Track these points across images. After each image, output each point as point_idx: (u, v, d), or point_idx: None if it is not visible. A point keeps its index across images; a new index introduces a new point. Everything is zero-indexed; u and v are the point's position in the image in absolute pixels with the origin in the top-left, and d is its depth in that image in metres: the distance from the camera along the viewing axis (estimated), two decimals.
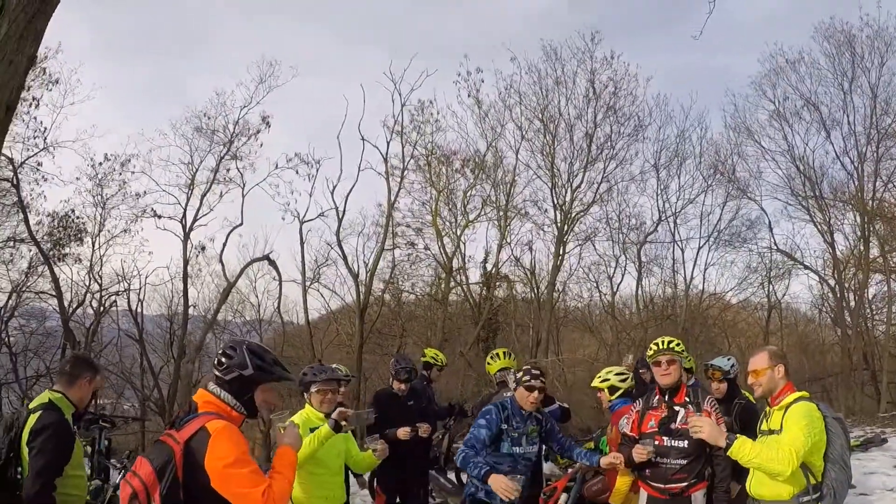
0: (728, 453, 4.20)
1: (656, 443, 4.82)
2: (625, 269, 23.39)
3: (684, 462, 4.76)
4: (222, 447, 2.99)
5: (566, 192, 21.39)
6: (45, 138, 19.51)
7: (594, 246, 23.03)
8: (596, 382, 6.35)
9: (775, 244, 22.85)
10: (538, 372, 5.31)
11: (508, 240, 22.28)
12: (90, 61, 49.45)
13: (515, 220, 22.26)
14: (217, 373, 3.31)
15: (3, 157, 18.70)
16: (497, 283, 22.68)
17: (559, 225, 21.33)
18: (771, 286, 23.79)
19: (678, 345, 4.97)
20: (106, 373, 22.10)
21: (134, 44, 52.69)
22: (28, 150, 19.42)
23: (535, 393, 5.20)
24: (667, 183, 22.46)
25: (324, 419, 5.01)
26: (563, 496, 6.40)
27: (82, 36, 44.84)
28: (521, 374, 5.37)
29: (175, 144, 24.49)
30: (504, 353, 8.16)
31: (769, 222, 22.85)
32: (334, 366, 7.06)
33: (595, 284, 23.86)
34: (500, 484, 4.67)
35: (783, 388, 4.25)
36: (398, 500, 7.56)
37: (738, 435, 4.25)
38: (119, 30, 51.81)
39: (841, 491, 4.07)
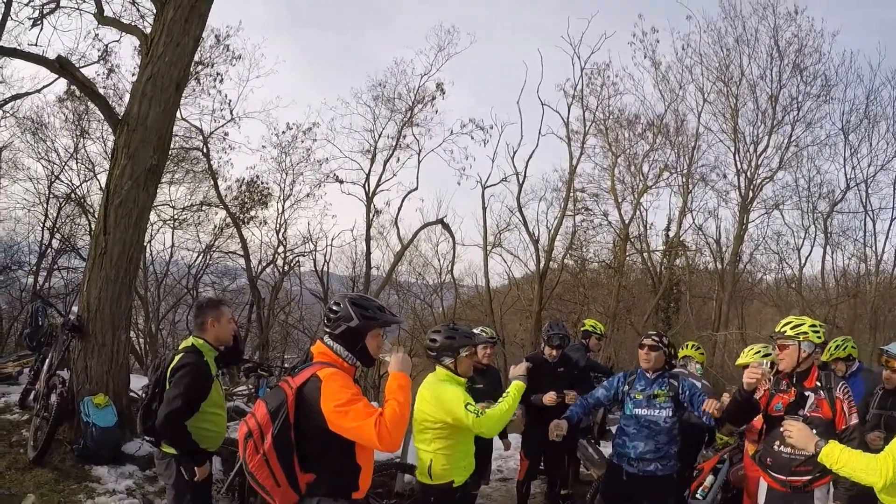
0: (818, 460, 3.79)
1: (781, 428, 4.36)
2: (813, 241, 21.81)
3: (810, 453, 4.30)
4: (334, 390, 3.19)
5: (750, 158, 20.43)
6: (232, 110, 20.87)
7: (782, 215, 21.79)
8: (739, 361, 6.21)
9: None
10: (654, 332, 5.62)
11: (691, 206, 21.67)
12: (274, 36, 51.81)
13: (698, 186, 21.59)
14: (327, 329, 3.51)
15: (193, 129, 20.33)
16: (678, 252, 22.08)
17: (743, 192, 20.44)
18: None
19: (795, 326, 4.58)
20: (291, 329, 23.65)
21: (316, 16, 54.64)
22: (215, 121, 20.80)
23: (645, 350, 5.43)
24: (856, 147, 20.68)
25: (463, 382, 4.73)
26: (710, 478, 6.31)
27: (266, 12, 47.26)
28: (642, 337, 5.63)
29: (357, 112, 26.00)
30: (692, 345, 7.60)
31: None
32: (480, 329, 7.07)
33: (780, 256, 22.55)
34: (551, 425, 5.40)
35: None
36: (542, 465, 7.60)
37: (830, 441, 3.83)
38: (301, 3, 54.19)
39: None
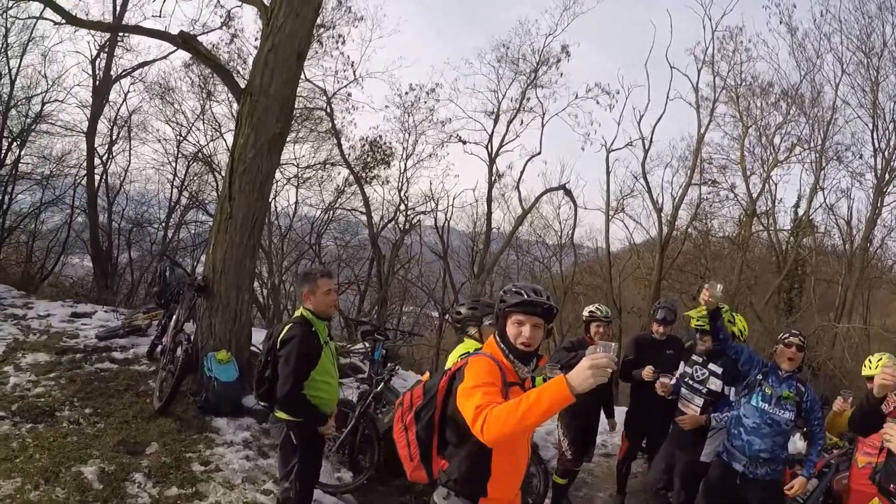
0: None
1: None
2: None
3: None
4: (474, 372, 3.05)
5: (889, 136, 19.08)
6: (355, 71, 21.06)
7: None
8: (865, 372, 5.77)
9: None
10: (798, 332, 5.42)
11: (822, 185, 20.53)
12: None
13: (832, 164, 20.42)
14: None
15: (316, 89, 20.71)
16: (806, 232, 21.07)
17: (879, 173, 19.13)
18: None
19: None
20: (409, 285, 24.08)
21: None
22: (338, 82, 21.10)
23: (793, 349, 5.24)
24: None
25: None
26: (814, 481, 6.01)
27: None
28: (784, 333, 5.47)
29: (480, 73, 25.98)
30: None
31: None
32: (595, 306, 7.05)
33: None
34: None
35: None
36: (644, 446, 7.50)
37: None
38: None
39: None
